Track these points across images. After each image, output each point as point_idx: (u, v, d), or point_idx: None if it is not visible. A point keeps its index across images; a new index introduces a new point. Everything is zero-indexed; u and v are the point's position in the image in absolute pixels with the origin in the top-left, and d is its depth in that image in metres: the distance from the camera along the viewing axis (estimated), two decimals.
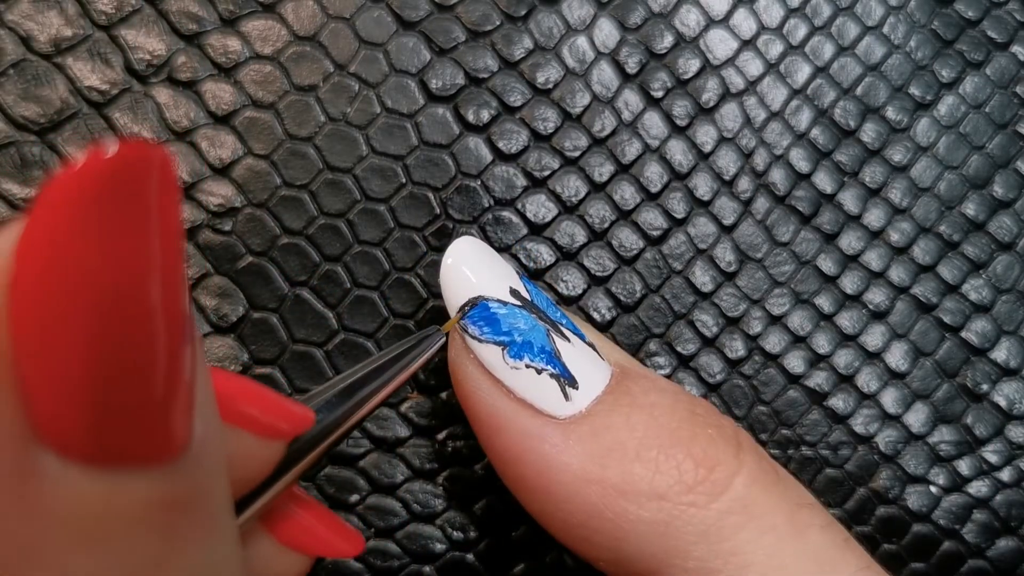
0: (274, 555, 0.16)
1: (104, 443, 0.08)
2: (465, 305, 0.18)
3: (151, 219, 0.08)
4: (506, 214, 0.22)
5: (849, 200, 0.23)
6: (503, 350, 0.18)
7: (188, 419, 0.09)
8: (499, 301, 0.18)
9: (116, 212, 0.07)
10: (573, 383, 0.18)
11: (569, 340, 0.18)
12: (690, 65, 0.23)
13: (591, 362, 0.18)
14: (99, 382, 0.08)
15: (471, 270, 0.18)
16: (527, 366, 0.18)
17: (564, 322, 0.19)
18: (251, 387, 0.14)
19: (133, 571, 0.09)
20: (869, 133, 0.24)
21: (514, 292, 0.18)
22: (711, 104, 0.23)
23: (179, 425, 0.09)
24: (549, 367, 0.18)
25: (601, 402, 0.17)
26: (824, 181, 0.23)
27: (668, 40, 0.23)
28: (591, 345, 0.19)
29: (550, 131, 0.22)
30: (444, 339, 0.18)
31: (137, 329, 0.08)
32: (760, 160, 0.23)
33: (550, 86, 0.22)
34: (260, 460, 0.14)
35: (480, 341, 0.18)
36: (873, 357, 0.23)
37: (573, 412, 0.17)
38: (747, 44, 0.23)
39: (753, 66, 0.23)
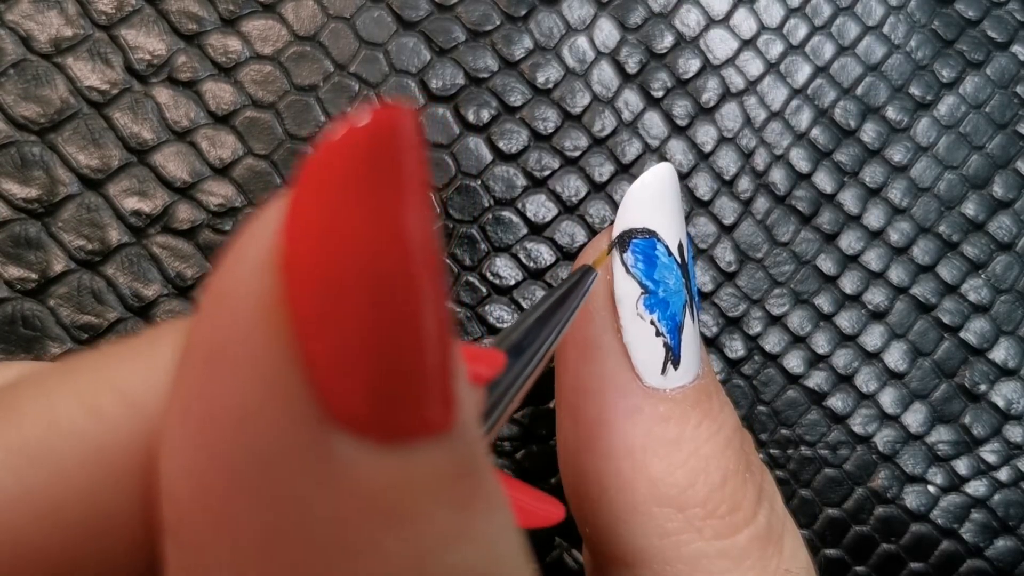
0: None
1: (394, 417, 0.08)
2: (637, 232, 0.17)
3: (413, 175, 0.07)
4: (506, 214, 0.22)
5: (849, 200, 0.23)
6: (641, 294, 0.17)
7: (457, 381, 0.08)
8: (667, 248, 0.18)
9: (384, 174, 0.07)
10: (676, 362, 0.17)
11: (694, 321, 0.18)
12: (690, 65, 0.23)
13: (695, 352, 0.18)
14: (383, 353, 0.08)
15: (663, 203, 0.18)
16: (652, 322, 0.17)
17: (696, 300, 0.18)
18: None
19: (435, 547, 0.08)
20: (869, 133, 0.24)
21: (680, 248, 0.18)
22: (711, 104, 0.23)
23: (452, 389, 0.08)
24: (668, 335, 0.17)
25: (685, 394, 0.17)
26: (824, 181, 0.23)
27: (668, 40, 0.23)
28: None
29: (550, 131, 0.22)
30: (596, 276, 0.17)
31: (412, 293, 0.08)
32: (760, 160, 0.23)
33: (550, 86, 0.22)
34: None
35: (627, 271, 0.17)
36: (872, 357, 0.23)
37: (658, 387, 0.17)
38: (747, 44, 0.23)
39: (753, 66, 0.23)
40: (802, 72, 0.23)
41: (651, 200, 0.18)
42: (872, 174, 0.24)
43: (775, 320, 0.23)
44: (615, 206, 0.22)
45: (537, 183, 0.22)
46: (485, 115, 0.22)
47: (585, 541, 0.18)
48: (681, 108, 0.23)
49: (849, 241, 0.23)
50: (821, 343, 0.23)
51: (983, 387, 0.24)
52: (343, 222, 0.07)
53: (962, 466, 0.23)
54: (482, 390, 0.13)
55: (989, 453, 0.24)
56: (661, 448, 0.17)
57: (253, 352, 0.07)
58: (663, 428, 0.17)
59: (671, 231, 0.18)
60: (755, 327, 0.23)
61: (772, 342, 0.23)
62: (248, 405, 0.08)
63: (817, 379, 0.23)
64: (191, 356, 0.08)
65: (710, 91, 0.23)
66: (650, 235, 0.17)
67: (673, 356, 0.17)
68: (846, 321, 0.23)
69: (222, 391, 0.08)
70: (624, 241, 0.17)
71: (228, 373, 0.08)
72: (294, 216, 0.07)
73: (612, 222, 0.18)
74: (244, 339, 0.07)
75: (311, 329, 0.07)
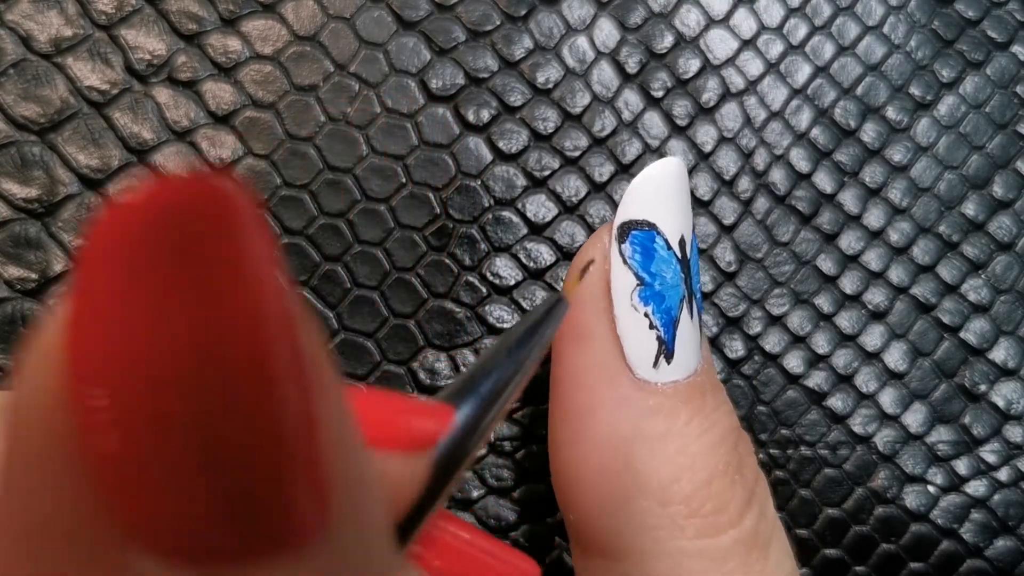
0: None
1: (217, 538, 0.06)
2: (636, 224, 0.17)
3: (226, 260, 0.06)
4: (506, 214, 0.22)
5: (849, 200, 0.23)
6: (637, 286, 0.17)
7: (326, 486, 0.07)
8: (667, 242, 0.17)
9: (185, 260, 0.06)
10: (669, 356, 0.17)
11: (692, 316, 0.18)
12: (690, 65, 0.23)
13: (692, 347, 0.18)
14: (200, 465, 0.06)
15: (667, 197, 0.17)
16: (646, 315, 0.17)
17: (697, 297, 0.18)
18: (373, 396, 0.11)
19: None
20: (869, 133, 0.24)
21: (681, 243, 0.18)
22: (711, 104, 0.23)
23: (312, 497, 0.07)
24: (661, 329, 0.17)
25: (677, 389, 0.17)
26: (824, 181, 0.23)
27: (668, 40, 0.23)
28: (700, 331, 0.18)
29: (550, 131, 0.22)
30: (568, 307, 0.16)
31: (239, 396, 0.06)
32: (760, 160, 0.23)
33: (550, 86, 0.22)
34: (406, 481, 0.11)
35: (624, 262, 0.17)
36: (872, 357, 0.23)
37: (650, 379, 0.17)
38: (747, 44, 0.23)
39: (753, 66, 0.23)
40: (802, 72, 0.23)
41: (654, 192, 0.17)
42: (872, 174, 0.24)
43: (775, 320, 0.23)
44: (615, 206, 0.22)
45: (537, 183, 0.22)
46: (485, 115, 0.22)
47: (569, 529, 0.18)
48: (681, 108, 0.23)
49: (849, 241, 0.23)
50: (821, 343, 0.23)
51: (983, 387, 0.24)
52: (128, 311, 0.06)
53: (962, 466, 0.23)
54: (430, 451, 0.12)
55: (989, 453, 0.24)
56: (647, 441, 0.17)
57: (42, 462, 0.06)
58: (651, 421, 0.17)
59: (673, 225, 0.17)
60: (755, 327, 0.23)
61: (772, 342, 0.23)
62: (45, 522, 0.06)
63: (817, 379, 0.23)
64: (2, 459, 0.07)
65: (710, 91, 0.23)
66: (649, 227, 0.17)
67: (666, 350, 0.17)
68: (846, 321, 0.23)
69: (19, 503, 0.07)
70: (623, 232, 0.17)
71: (22, 484, 0.07)
72: (78, 300, 0.06)
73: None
74: (33, 447, 0.06)
75: (103, 437, 0.06)
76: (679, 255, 0.17)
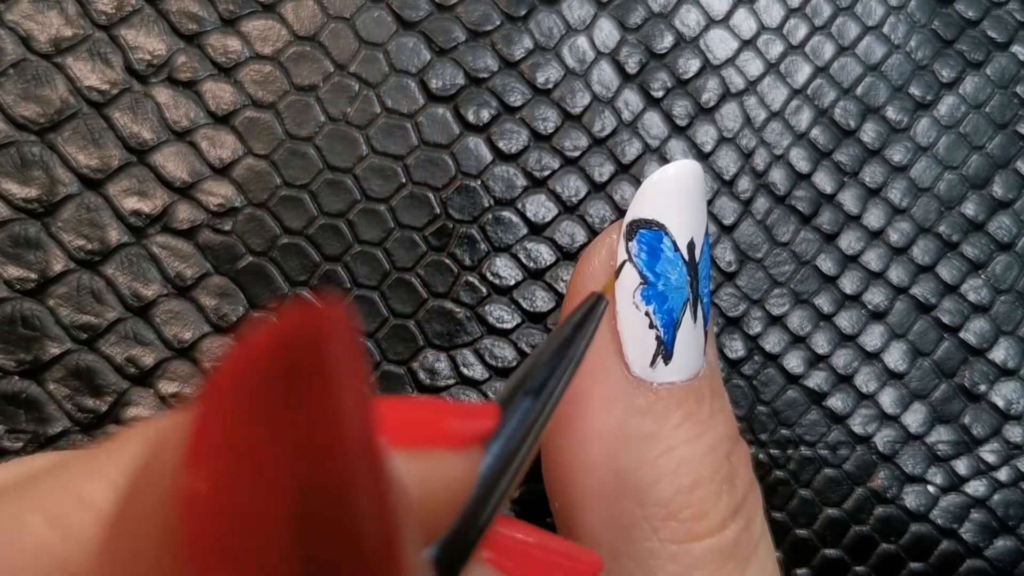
0: None
1: None
2: (646, 223, 0.17)
3: (342, 392, 0.07)
4: (506, 214, 0.22)
5: (849, 200, 0.23)
6: (640, 284, 0.17)
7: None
8: (674, 244, 0.17)
9: (303, 393, 0.06)
10: (668, 357, 0.17)
11: (695, 320, 0.18)
12: (690, 65, 0.23)
13: (694, 350, 0.17)
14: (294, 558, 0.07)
15: (679, 199, 0.17)
16: (647, 314, 0.17)
17: (705, 302, 0.18)
18: (422, 403, 0.12)
19: None
20: (869, 133, 0.24)
21: (691, 246, 0.18)
22: (711, 104, 0.23)
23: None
24: (661, 329, 0.17)
25: (671, 391, 0.17)
26: (824, 181, 0.23)
27: (668, 40, 0.23)
28: (706, 336, 0.18)
29: (550, 131, 0.22)
30: (607, 303, 0.16)
31: (348, 527, 0.07)
32: (760, 160, 0.23)
33: (550, 86, 0.22)
34: (460, 478, 0.11)
35: (629, 259, 0.17)
36: (872, 357, 0.23)
37: (645, 378, 0.17)
38: (747, 44, 0.23)
39: (753, 66, 0.23)
40: (802, 72, 0.23)
41: (667, 193, 0.17)
42: (872, 174, 0.24)
43: (775, 320, 0.23)
44: (615, 206, 0.22)
45: (537, 183, 0.22)
46: (485, 115, 0.22)
47: (554, 515, 0.18)
48: (681, 108, 0.23)
49: (849, 241, 0.23)
50: (821, 343, 0.23)
51: (983, 387, 0.24)
52: (248, 453, 0.06)
53: (962, 466, 0.23)
54: (480, 448, 0.12)
55: (989, 453, 0.24)
56: (633, 440, 0.17)
57: (147, 543, 0.07)
58: (639, 421, 0.17)
59: (683, 227, 0.17)
60: (755, 327, 0.23)
61: (772, 342, 0.23)
62: None
63: (817, 379, 0.23)
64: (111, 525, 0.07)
65: (710, 91, 0.23)
66: (658, 228, 0.17)
67: (665, 351, 0.17)
68: (846, 321, 0.23)
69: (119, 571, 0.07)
70: (632, 229, 0.17)
71: (124, 555, 0.07)
72: (196, 442, 0.06)
73: (614, 219, 0.18)
74: (143, 527, 0.07)
75: (207, 525, 0.06)
76: (686, 258, 0.17)
